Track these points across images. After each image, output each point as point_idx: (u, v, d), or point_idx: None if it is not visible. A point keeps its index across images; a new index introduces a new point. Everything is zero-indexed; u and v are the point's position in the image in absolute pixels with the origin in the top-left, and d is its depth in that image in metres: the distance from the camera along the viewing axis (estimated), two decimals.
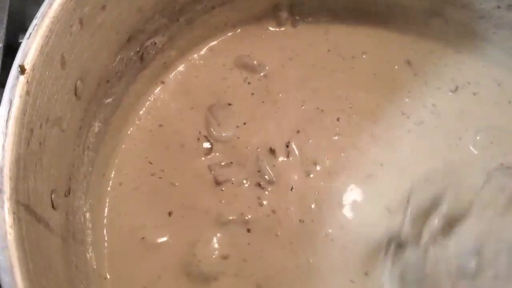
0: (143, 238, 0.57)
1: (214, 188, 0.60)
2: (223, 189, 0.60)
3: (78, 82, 0.50)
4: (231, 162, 0.61)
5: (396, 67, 0.66)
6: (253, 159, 0.61)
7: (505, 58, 0.65)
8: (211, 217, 0.58)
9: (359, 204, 0.59)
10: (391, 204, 0.58)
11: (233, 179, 0.60)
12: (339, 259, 0.56)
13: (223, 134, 0.63)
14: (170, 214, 0.58)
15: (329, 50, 0.67)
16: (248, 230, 0.57)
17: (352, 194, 0.59)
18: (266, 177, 0.60)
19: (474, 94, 0.65)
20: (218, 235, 0.57)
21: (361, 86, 0.65)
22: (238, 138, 0.62)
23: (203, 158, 0.62)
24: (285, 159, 0.61)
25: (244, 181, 0.60)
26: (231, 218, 0.58)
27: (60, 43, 0.46)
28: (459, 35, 0.66)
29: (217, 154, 0.62)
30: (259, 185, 0.60)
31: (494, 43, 0.65)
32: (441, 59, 0.67)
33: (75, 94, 0.50)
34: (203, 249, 0.56)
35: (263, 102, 0.64)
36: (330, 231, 0.57)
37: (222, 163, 0.61)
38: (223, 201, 0.59)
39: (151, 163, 0.61)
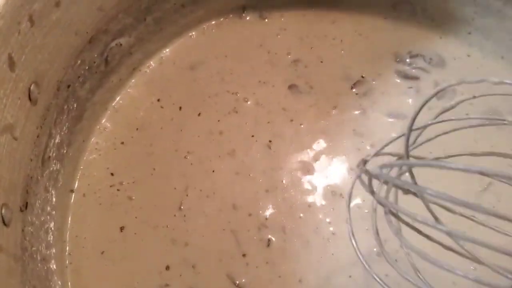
0: (102, 252, 0.54)
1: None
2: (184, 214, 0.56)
3: (32, 86, 0.46)
4: None
5: None
6: None
7: None
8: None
9: None
10: None
11: None
12: None
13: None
14: (122, 229, 0.55)
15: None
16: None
17: None
18: None
19: None
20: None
21: None
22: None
23: None
24: None
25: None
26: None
27: (6, 42, 0.42)
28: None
29: None
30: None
31: None
32: None
33: (29, 99, 0.46)
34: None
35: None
36: None
37: None
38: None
39: (112, 175, 0.58)
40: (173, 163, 0.58)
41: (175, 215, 0.56)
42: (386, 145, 0.43)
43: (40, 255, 0.49)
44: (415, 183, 0.41)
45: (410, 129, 0.37)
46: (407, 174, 0.41)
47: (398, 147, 0.43)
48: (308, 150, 0.58)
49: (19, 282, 0.43)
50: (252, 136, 0.59)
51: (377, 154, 0.42)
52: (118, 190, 0.57)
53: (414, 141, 0.43)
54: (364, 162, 0.39)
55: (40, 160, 0.50)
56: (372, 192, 0.40)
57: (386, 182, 0.38)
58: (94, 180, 0.58)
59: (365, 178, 0.40)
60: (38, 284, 0.47)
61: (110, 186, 0.57)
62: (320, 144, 0.59)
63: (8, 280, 0.41)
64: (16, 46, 0.43)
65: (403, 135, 0.39)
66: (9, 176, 0.44)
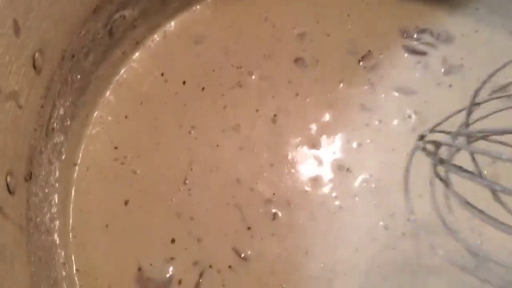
0: (106, 226, 0.54)
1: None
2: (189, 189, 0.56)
3: (37, 54, 0.45)
4: None
5: None
6: None
7: None
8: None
9: None
10: None
11: None
12: None
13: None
14: (126, 203, 0.54)
15: None
16: None
17: None
18: None
19: None
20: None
21: None
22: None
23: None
24: None
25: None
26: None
27: (11, 6, 0.41)
28: None
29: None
30: None
31: None
32: None
33: (34, 67, 0.45)
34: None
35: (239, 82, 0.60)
36: None
37: None
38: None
39: (116, 148, 0.57)
40: (177, 137, 0.58)
41: (179, 189, 0.55)
42: (446, 119, 0.41)
43: (44, 226, 0.48)
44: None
45: (472, 104, 0.35)
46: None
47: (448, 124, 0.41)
48: (314, 124, 0.58)
49: (24, 251, 0.42)
50: (257, 110, 0.58)
51: (433, 129, 0.41)
52: (122, 164, 0.57)
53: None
54: (422, 137, 0.38)
55: (44, 131, 0.49)
56: (441, 161, 0.39)
57: (458, 149, 0.37)
58: (98, 154, 0.57)
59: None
60: (43, 256, 0.47)
61: (114, 160, 0.57)
62: (326, 119, 0.58)
63: (15, 249, 0.40)
64: (22, 11, 0.42)
65: (462, 109, 0.38)
66: (13, 144, 0.43)
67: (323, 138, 0.58)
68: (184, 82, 0.60)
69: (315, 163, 0.57)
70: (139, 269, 0.53)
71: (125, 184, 0.56)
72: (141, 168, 0.57)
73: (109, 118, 0.59)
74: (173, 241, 0.53)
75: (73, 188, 0.55)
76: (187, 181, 0.56)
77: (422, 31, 0.62)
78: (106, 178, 0.56)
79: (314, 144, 0.57)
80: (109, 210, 0.55)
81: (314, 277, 0.52)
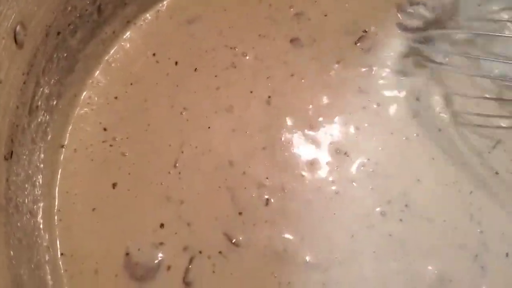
0: (93, 209, 0.52)
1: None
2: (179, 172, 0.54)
3: (18, 27, 0.43)
4: None
5: None
6: None
7: None
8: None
9: None
10: None
11: None
12: None
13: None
14: (114, 186, 0.53)
15: None
16: None
17: None
18: None
19: None
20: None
21: None
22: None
23: None
24: None
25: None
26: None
27: None
28: None
29: None
30: None
31: None
32: None
33: (15, 41, 0.43)
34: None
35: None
36: None
37: None
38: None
39: (105, 130, 0.55)
40: (168, 119, 0.56)
41: (169, 172, 0.54)
42: None
43: (26, 208, 0.47)
44: None
45: None
46: None
47: None
48: (310, 106, 0.56)
49: (2, 232, 0.40)
50: (251, 92, 0.56)
51: None
52: (111, 145, 0.55)
53: None
54: None
55: (27, 109, 0.47)
56: None
57: None
58: (86, 135, 0.55)
59: None
60: (24, 238, 0.45)
61: (103, 142, 0.55)
62: (323, 100, 0.56)
63: None
64: None
65: None
66: None
67: (320, 121, 0.55)
68: (176, 63, 0.58)
69: (311, 146, 0.55)
70: (127, 254, 0.51)
71: (114, 166, 0.54)
72: (130, 150, 0.55)
73: (98, 98, 0.57)
74: (162, 225, 0.52)
75: (60, 169, 0.53)
76: (177, 164, 0.54)
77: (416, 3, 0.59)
78: (94, 160, 0.54)
79: (310, 126, 0.55)
80: (96, 193, 0.53)
81: (308, 265, 0.50)
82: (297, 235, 0.51)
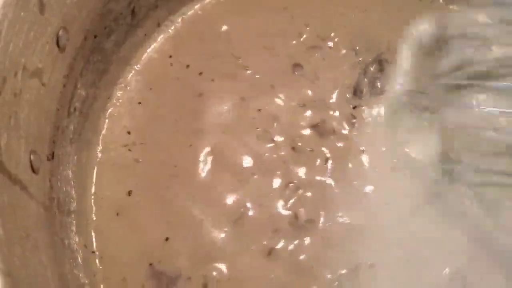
0: (117, 214, 0.52)
1: None
2: None
3: (61, 32, 0.44)
4: None
5: None
6: None
7: None
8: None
9: None
10: None
11: None
12: None
13: None
14: (130, 193, 0.53)
15: None
16: None
17: None
18: None
19: None
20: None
21: None
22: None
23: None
24: None
25: None
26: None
27: None
28: None
29: None
30: None
31: None
32: None
33: (58, 45, 0.44)
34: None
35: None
36: None
37: None
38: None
39: (129, 133, 0.56)
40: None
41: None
42: None
43: (65, 208, 0.48)
44: None
45: None
46: None
47: None
48: None
49: (47, 233, 0.41)
50: None
51: None
52: (129, 150, 0.55)
53: None
54: None
55: (66, 111, 0.48)
56: None
57: None
58: (113, 138, 0.55)
59: None
60: (65, 238, 0.46)
61: (124, 146, 0.55)
62: None
63: (39, 228, 0.39)
64: None
65: None
66: (37, 122, 0.42)
67: None
68: (200, 73, 0.58)
69: None
70: (150, 264, 0.51)
71: (129, 173, 0.54)
72: (143, 157, 0.55)
73: (126, 102, 0.57)
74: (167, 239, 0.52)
75: (90, 171, 0.54)
76: None
77: None
78: (116, 164, 0.54)
79: None
80: (117, 199, 0.53)
81: None
82: None
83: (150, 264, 0.50)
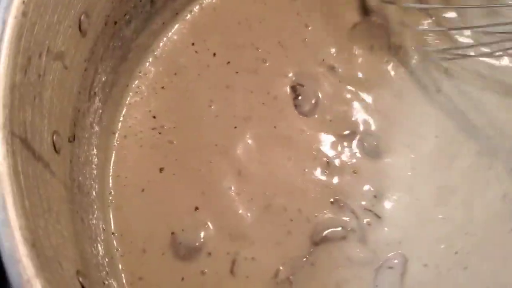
0: (142, 190, 0.55)
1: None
2: None
3: (83, 17, 0.46)
4: None
5: None
6: None
7: None
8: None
9: None
10: None
11: None
12: None
13: None
14: (161, 170, 0.55)
15: None
16: None
17: None
18: None
19: None
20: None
21: None
22: None
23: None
24: None
25: None
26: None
27: None
28: None
29: None
30: None
31: None
32: None
33: (80, 29, 0.46)
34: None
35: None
36: None
37: None
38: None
39: (154, 117, 0.57)
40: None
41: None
42: None
43: (86, 188, 0.49)
44: None
45: None
46: None
47: None
48: None
49: (68, 209, 0.43)
50: None
51: None
52: (159, 133, 0.57)
53: None
54: None
55: (87, 94, 0.50)
56: None
57: None
58: (136, 123, 0.57)
59: None
60: (85, 217, 0.47)
61: (152, 129, 0.57)
62: None
63: (61, 205, 0.41)
64: None
65: None
66: (59, 104, 0.43)
67: None
68: (214, 54, 0.60)
69: None
70: (172, 233, 0.53)
71: (161, 152, 0.56)
72: (177, 139, 0.57)
73: (146, 88, 0.59)
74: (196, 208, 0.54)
75: (112, 154, 0.56)
76: None
77: None
78: (143, 146, 0.56)
79: None
80: (145, 176, 0.55)
81: None
82: None
83: (172, 233, 0.53)
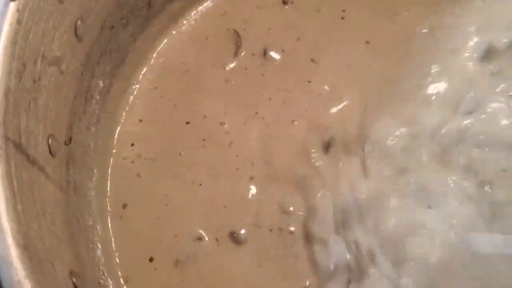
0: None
1: None
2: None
3: (79, 22, 0.47)
4: None
5: None
6: None
7: None
8: None
9: None
10: None
11: None
12: None
13: None
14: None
15: None
16: None
17: None
18: None
19: None
20: None
21: None
22: None
23: None
24: None
25: None
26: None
27: None
28: None
29: None
30: None
31: None
32: None
33: (76, 34, 0.46)
34: None
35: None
36: None
37: None
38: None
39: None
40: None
41: None
42: None
43: (82, 190, 0.50)
44: None
45: None
46: None
47: None
48: None
49: (64, 212, 0.44)
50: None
51: None
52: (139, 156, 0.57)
53: None
54: None
55: (83, 98, 0.51)
56: None
57: None
58: (133, 127, 0.58)
59: None
60: (80, 218, 0.48)
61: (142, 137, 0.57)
62: None
63: (55, 207, 0.41)
64: None
65: None
66: (55, 108, 0.44)
67: None
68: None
69: None
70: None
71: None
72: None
73: (144, 91, 0.59)
74: None
75: (109, 159, 0.56)
76: None
77: None
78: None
79: None
80: (132, 188, 0.55)
81: None
82: None
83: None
